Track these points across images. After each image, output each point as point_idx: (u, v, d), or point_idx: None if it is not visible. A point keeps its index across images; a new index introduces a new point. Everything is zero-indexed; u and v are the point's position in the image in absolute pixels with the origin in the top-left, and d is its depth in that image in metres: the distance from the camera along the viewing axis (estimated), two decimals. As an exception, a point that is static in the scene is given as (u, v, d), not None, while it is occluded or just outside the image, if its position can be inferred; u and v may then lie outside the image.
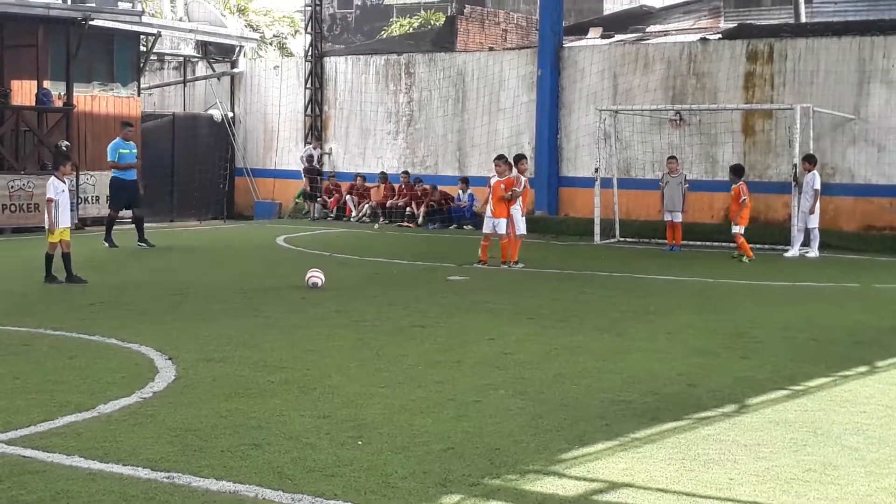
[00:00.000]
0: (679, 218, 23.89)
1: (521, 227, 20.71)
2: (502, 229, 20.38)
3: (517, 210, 20.40)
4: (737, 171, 23.17)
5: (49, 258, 17.37)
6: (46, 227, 17.36)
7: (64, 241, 17.38)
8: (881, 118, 25.32)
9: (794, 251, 23.10)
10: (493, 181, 20.63)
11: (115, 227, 23.98)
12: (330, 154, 33.47)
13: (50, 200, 17.17)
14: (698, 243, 24.53)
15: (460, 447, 8.06)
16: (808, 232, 23.16)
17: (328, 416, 8.95)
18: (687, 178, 24.39)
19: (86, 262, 20.19)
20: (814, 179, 22.98)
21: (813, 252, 22.98)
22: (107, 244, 23.20)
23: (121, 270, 19.74)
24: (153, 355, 11.44)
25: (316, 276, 17.13)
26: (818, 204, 23.00)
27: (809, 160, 23.24)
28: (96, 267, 19.82)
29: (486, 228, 20.67)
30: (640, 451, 8.04)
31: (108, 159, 24.27)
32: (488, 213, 20.55)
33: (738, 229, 22.55)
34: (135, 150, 24.52)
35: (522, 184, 20.57)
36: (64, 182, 17.62)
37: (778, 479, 7.43)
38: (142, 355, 11.48)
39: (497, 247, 20.62)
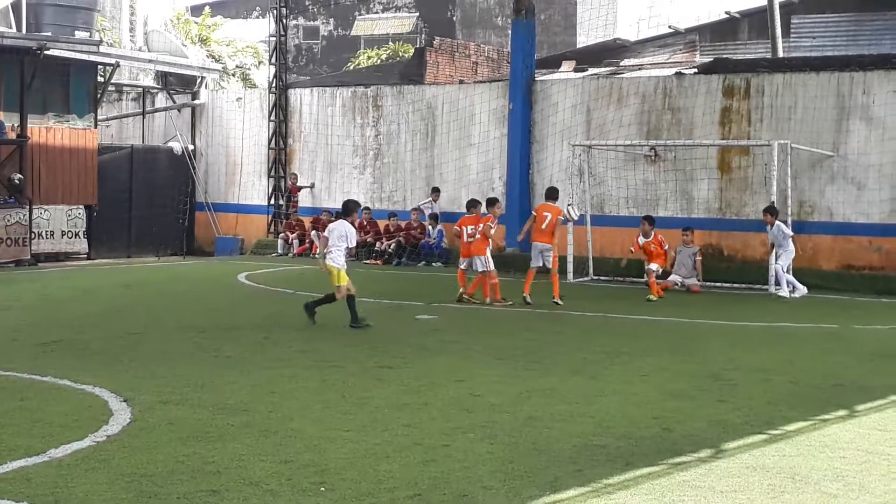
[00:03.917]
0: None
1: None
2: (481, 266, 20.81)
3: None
4: (651, 221, 23.45)
5: (353, 300, 17.03)
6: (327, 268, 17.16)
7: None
8: (860, 155, 24.99)
9: (784, 291, 22.54)
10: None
11: (68, 263, 23.41)
12: (312, 188, 32.76)
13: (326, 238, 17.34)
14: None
15: (427, 493, 7.95)
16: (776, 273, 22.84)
17: (290, 460, 8.82)
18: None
19: (39, 299, 20.57)
20: (780, 229, 22.66)
21: (783, 291, 22.64)
22: None
23: (75, 308, 19.49)
24: (107, 397, 11.22)
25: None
26: (793, 250, 22.84)
27: (771, 212, 22.84)
28: (49, 304, 19.94)
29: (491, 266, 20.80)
30: (614, 498, 7.94)
31: None
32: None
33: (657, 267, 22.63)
34: None
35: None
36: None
37: (754, 526, 7.35)
38: (95, 397, 11.27)
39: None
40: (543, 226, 20.76)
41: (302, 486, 8.07)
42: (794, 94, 25.70)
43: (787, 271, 22.79)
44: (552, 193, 21.58)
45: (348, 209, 17.80)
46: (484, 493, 7.98)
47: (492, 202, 21.32)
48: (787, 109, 25.76)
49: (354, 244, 17.51)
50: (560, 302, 20.32)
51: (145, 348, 14.68)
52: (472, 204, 21.90)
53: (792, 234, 22.75)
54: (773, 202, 23.30)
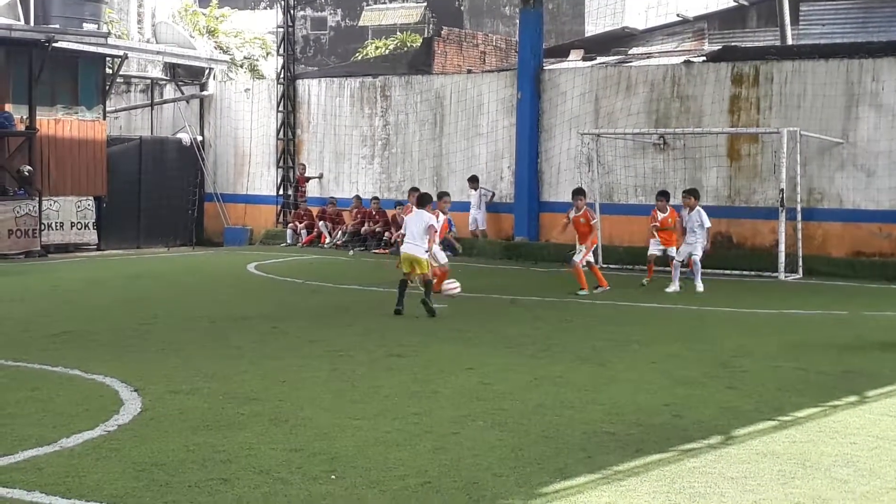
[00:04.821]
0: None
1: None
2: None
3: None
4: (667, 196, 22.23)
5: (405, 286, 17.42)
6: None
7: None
8: (870, 142, 24.83)
9: (675, 286, 21.13)
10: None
11: (77, 254, 23.41)
12: (320, 179, 32.69)
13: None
14: (685, 270, 23.84)
15: (437, 481, 7.93)
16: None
17: (300, 449, 8.80)
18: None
19: (49, 290, 20.51)
20: (700, 216, 21.27)
21: (673, 287, 21.05)
22: None
23: (86, 300, 19.49)
24: (118, 387, 11.19)
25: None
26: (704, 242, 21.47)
27: (693, 194, 21.65)
28: (60, 295, 19.91)
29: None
30: (624, 485, 7.91)
31: None
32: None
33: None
34: None
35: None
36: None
37: (765, 512, 7.33)
38: (106, 387, 11.24)
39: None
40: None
41: (312, 473, 8.05)
42: (803, 81, 25.52)
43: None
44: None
45: (424, 200, 17.95)
46: (493, 480, 7.96)
47: (440, 196, 20.75)
48: (797, 97, 25.58)
49: (438, 229, 17.64)
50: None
51: (155, 338, 14.65)
52: (412, 191, 21.81)
53: (710, 224, 21.46)
54: (781, 189, 23.28)
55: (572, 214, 20.72)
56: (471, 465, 8.36)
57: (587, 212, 20.67)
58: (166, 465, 8.24)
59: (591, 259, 21.10)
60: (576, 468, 8.30)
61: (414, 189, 21.20)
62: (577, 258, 20.51)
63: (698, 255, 21.16)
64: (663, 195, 22.23)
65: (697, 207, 21.52)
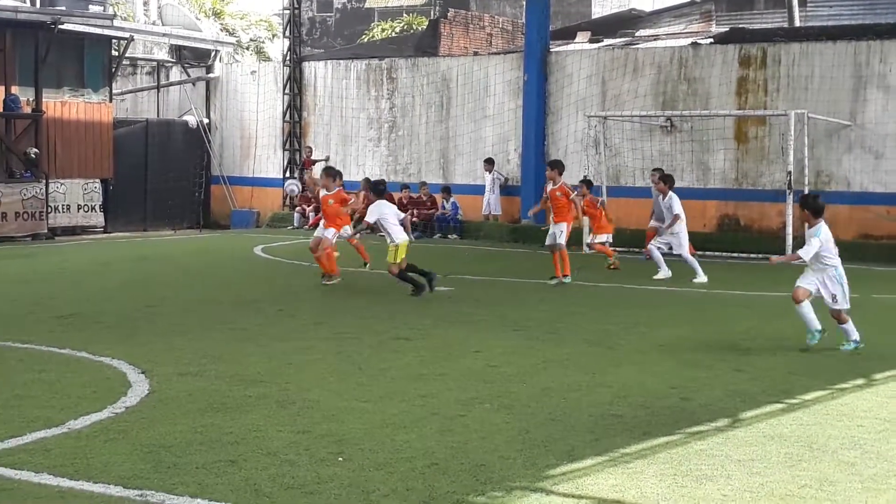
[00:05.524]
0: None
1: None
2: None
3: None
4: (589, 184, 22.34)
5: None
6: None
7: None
8: (878, 124, 24.85)
9: (664, 272, 20.14)
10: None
11: (84, 237, 23.37)
12: (326, 161, 32.59)
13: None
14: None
15: (444, 463, 7.93)
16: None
17: (307, 431, 8.78)
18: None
19: (56, 272, 20.52)
20: (671, 202, 19.86)
21: (700, 278, 19.63)
22: None
23: (92, 282, 19.44)
24: (126, 369, 11.19)
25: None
26: (685, 230, 20.16)
27: (665, 180, 20.31)
28: (67, 278, 19.90)
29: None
30: (631, 467, 7.90)
31: None
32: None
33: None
34: None
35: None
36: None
37: (772, 495, 7.31)
38: (114, 369, 11.24)
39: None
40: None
41: (319, 455, 8.05)
42: (810, 63, 25.52)
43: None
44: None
45: (381, 190, 18.14)
46: (501, 462, 7.94)
47: (333, 172, 20.87)
48: (804, 79, 25.59)
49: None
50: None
51: (162, 321, 14.65)
52: (327, 170, 21.14)
53: (678, 212, 19.73)
54: (789, 172, 23.29)
55: (549, 188, 19.65)
56: (478, 447, 8.34)
57: (564, 186, 19.70)
58: (174, 446, 8.23)
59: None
60: (583, 451, 8.28)
61: (328, 169, 20.62)
62: (562, 241, 19.41)
63: (684, 250, 19.94)
64: (584, 182, 22.34)
65: (671, 194, 20.00)
